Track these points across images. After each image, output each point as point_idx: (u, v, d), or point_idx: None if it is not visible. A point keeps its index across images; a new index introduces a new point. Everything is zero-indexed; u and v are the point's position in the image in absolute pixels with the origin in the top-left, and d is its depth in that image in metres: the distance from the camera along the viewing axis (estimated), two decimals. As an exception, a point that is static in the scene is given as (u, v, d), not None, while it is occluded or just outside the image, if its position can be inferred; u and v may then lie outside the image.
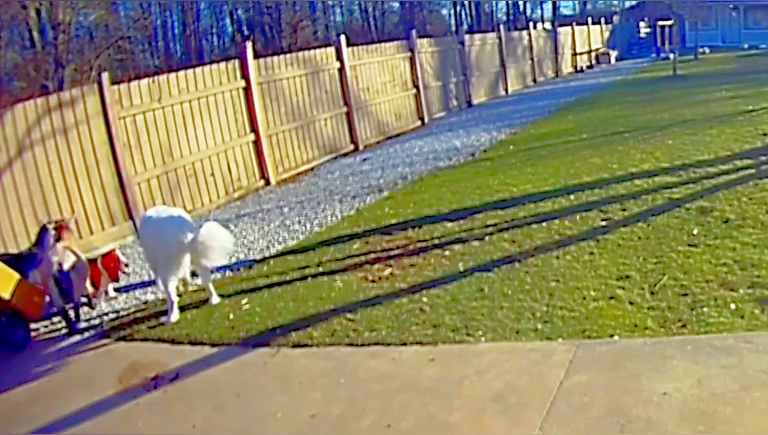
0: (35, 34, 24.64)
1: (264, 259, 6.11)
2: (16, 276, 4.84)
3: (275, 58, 10.36)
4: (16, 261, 5.04)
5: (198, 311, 5.00)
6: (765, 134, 8.14)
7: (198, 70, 8.89)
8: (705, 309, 3.80)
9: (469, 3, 47.94)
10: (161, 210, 5.33)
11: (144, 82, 8.06)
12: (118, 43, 27.29)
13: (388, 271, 5.25)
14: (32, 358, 4.70)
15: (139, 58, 33.23)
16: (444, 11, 50.52)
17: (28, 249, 5.46)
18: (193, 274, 5.81)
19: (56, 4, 22.76)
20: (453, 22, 47.65)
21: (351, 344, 4.11)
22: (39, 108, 6.83)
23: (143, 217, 5.33)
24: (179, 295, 5.23)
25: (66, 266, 4.83)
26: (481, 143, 10.71)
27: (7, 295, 4.71)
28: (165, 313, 5.00)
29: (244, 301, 5.07)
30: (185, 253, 4.82)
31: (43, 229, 5.26)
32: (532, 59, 21.48)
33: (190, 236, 4.74)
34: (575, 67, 25.86)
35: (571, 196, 6.51)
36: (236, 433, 3.41)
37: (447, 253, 5.44)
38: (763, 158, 7.00)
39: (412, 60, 13.84)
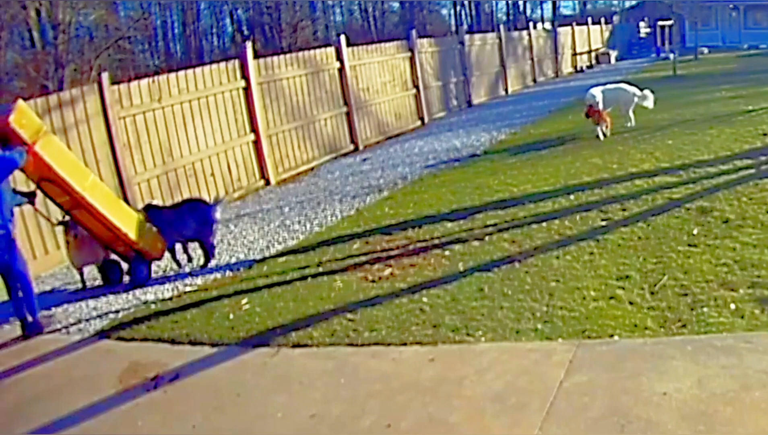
0: (35, 34, 24.66)
1: (264, 259, 6.11)
2: (147, 225, 5.92)
3: (275, 58, 10.36)
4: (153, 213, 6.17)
5: (198, 311, 5.00)
6: (765, 134, 8.14)
7: (198, 70, 8.90)
8: (705, 309, 3.81)
9: (469, 3, 47.95)
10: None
11: (144, 82, 8.06)
12: (118, 43, 27.29)
13: (388, 271, 5.25)
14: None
15: (139, 58, 33.25)
16: (444, 11, 50.60)
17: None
18: (190, 274, 5.95)
19: (56, 4, 22.76)
20: (453, 22, 47.68)
21: (351, 344, 4.11)
22: (39, 108, 6.80)
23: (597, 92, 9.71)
24: (179, 296, 5.35)
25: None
26: (481, 143, 10.72)
27: (136, 240, 5.75)
28: (165, 313, 5.02)
29: (244, 301, 5.07)
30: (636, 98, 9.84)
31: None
32: (532, 59, 21.48)
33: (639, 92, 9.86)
34: (575, 67, 25.85)
35: (571, 196, 6.50)
36: (236, 433, 3.41)
37: (447, 253, 5.44)
38: (763, 158, 7.00)
39: (412, 60, 13.84)
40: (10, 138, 5.01)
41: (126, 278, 5.98)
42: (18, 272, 5.01)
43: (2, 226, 4.90)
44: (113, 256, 5.96)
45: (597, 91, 9.80)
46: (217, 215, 6.26)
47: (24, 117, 5.16)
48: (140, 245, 5.81)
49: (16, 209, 5.28)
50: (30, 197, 5.46)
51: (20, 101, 5.44)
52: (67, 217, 5.74)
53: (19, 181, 5.74)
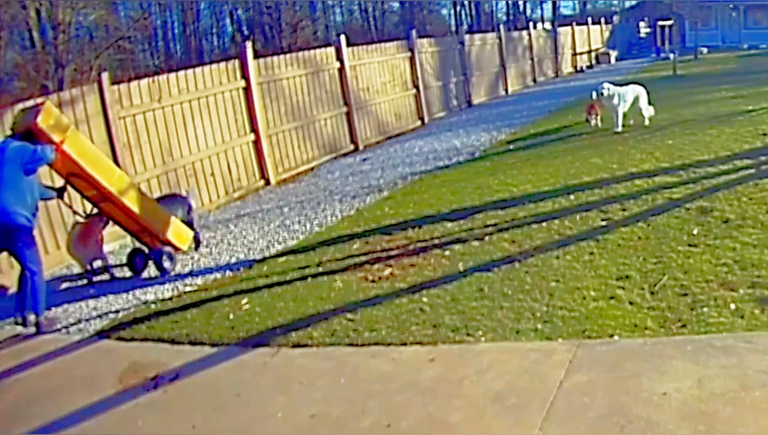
0: (35, 34, 24.61)
1: (264, 259, 6.12)
2: (172, 218, 6.22)
3: (275, 58, 10.36)
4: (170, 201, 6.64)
5: (198, 311, 5.00)
6: (765, 134, 8.13)
7: (198, 70, 8.90)
8: (705, 309, 3.80)
9: (469, 3, 47.92)
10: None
11: (144, 82, 8.06)
12: (118, 43, 27.24)
13: (388, 271, 5.25)
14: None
15: (139, 58, 33.24)
16: (444, 11, 50.56)
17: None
18: (190, 274, 5.99)
19: (56, 4, 22.72)
20: (453, 22, 47.64)
21: (351, 344, 4.11)
22: (39, 108, 6.82)
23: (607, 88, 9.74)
24: (179, 296, 5.36)
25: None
26: (481, 143, 10.72)
27: (163, 232, 6.09)
28: (165, 313, 5.02)
29: (244, 301, 5.07)
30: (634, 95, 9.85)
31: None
32: (532, 59, 21.47)
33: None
34: (575, 67, 25.85)
35: (571, 196, 6.50)
36: (236, 433, 3.41)
37: (447, 253, 5.44)
38: (763, 158, 7.00)
39: (412, 60, 13.84)
40: (38, 137, 5.16)
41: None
42: (29, 270, 5.02)
43: (27, 220, 4.94)
44: (138, 245, 6.31)
45: (614, 88, 9.77)
46: (192, 202, 6.87)
47: (51, 117, 5.32)
48: (166, 236, 6.11)
49: None
50: (59, 192, 5.69)
51: (48, 102, 5.60)
52: (95, 210, 5.98)
53: (43, 177, 5.79)
